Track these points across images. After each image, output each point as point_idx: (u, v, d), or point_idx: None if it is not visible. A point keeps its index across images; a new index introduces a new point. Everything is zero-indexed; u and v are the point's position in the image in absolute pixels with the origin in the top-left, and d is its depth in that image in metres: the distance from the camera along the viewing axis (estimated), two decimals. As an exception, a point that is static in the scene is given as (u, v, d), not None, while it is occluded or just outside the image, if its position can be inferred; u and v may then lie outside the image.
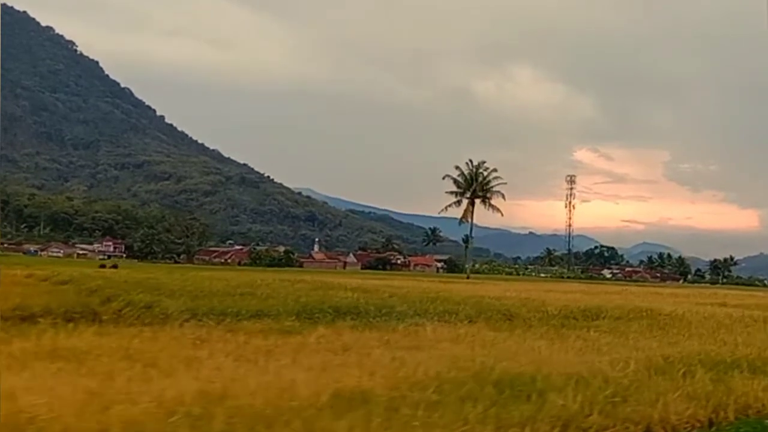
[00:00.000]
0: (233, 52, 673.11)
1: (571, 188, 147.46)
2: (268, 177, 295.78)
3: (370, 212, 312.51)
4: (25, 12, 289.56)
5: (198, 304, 15.86)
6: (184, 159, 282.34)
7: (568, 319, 17.88)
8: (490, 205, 75.30)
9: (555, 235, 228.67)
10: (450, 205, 76.08)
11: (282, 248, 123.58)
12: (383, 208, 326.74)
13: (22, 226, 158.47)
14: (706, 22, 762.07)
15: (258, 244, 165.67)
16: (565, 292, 32.05)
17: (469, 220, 76.65)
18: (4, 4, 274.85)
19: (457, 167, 74.66)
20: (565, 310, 19.17)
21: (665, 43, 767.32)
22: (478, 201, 74.17)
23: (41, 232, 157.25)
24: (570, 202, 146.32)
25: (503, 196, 76.21)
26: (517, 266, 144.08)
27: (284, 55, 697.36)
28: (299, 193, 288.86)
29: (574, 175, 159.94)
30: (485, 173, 74.61)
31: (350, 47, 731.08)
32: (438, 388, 7.29)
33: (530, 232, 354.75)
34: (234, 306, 15.45)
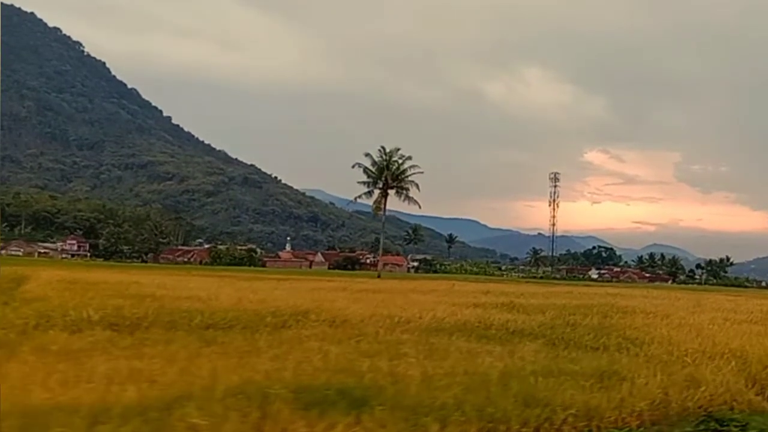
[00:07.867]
0: (243, 53, 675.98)
1: (555, 186, 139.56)
2: (274, 177, 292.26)
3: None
4: (32, 13, 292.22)
5: None
6: (188, 159, 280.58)
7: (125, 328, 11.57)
8: (407, 197, 68.43)
9: (564, 236, 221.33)
10: (360, 196, 69.67)
11: (247, 246, 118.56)
12: (392, 209, 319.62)
13: (4, 225, 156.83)
14: (717, 24, 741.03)
15: (245, 243, 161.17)
16: (330, 290, 25.55)
17: (382, 211, 69.99)
18: (11, 5, 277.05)
19: (367, 154, 68.00)
20: (176, 316, 12.83)
21: (676, 44, 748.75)
22: (392, 192, 67.40)
23: (22, 231, 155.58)
24: (554, 200, 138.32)
25: (417, 187, 68.98)
26: (486, 266, 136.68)
27: (295, 55, 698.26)
28: (303, 194, 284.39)
29: (558, 172, 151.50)
30: (399, 161, 67.67)
31: (361, 48, 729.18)
32: None
33: (539, 233, 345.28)
34: None
